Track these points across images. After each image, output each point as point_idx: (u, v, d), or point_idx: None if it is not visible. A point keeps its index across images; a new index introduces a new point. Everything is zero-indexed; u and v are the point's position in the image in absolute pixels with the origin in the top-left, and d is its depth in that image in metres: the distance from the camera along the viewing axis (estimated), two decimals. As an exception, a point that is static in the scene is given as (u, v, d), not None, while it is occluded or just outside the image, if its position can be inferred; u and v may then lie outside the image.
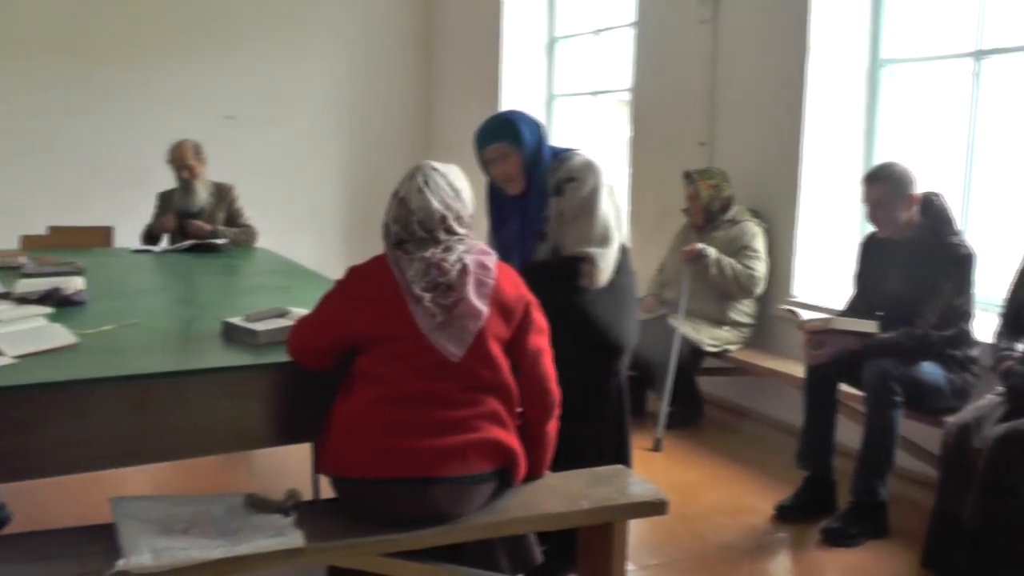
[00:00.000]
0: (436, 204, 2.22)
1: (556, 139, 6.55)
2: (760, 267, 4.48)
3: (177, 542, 1.93)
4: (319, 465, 2.23)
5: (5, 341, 2.34)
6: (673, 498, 2.45)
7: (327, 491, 2.25)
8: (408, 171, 2.31)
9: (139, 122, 7.22)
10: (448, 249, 2.20)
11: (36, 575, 1.88)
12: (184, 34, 7.35)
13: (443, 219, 2.22)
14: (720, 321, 4.55)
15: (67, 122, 7.08)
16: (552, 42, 6.96)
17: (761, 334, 4.63)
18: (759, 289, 4.50)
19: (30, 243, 5.03)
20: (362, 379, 2.17)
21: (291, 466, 3.65)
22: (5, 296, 3.08)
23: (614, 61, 6.24)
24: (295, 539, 2.01)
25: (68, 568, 1.90)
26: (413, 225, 2.21)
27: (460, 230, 2.25)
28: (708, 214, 4.58)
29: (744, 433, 4.64)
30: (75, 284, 3.15)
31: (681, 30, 5.18)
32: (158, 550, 1.88)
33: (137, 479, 3.67)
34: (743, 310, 4.58)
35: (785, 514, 3.49)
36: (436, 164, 2.32)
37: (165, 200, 5.14)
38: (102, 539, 2.00)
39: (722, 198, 4.57)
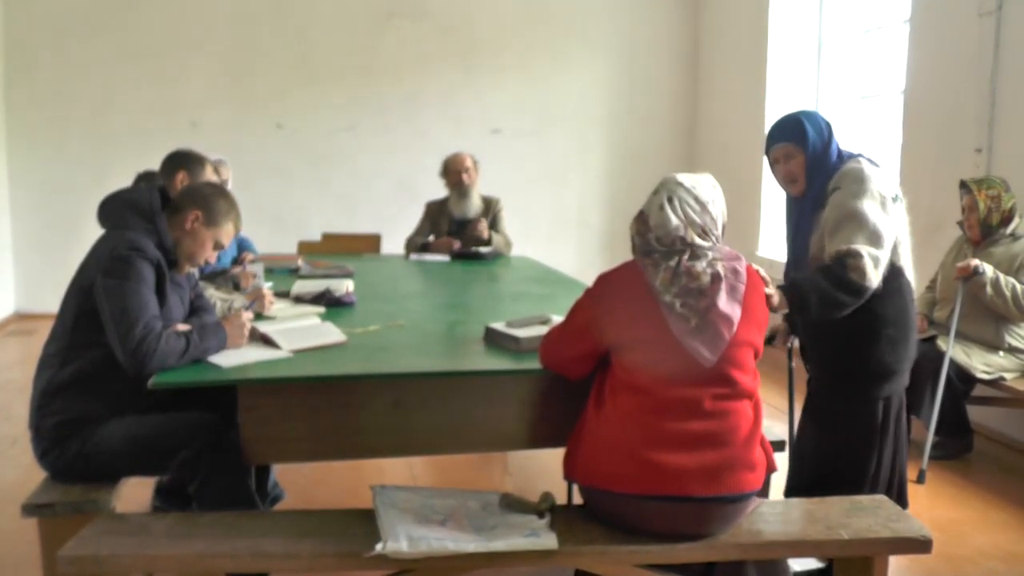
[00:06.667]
0: (675, 222, 2.14)
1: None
2: (1044, 288, 4.02)
3: (433, 532, 2.01)
4: (567, 470, 2.23)
5: (282, 336, 2.55)
6: (936, 536, 2.26)
7: (580, 497, 2.26)
8: (657, 184, 2.25)
9: (405, 136, 7.69)
10: (695, 257, 2.14)
11: (304, 549, 2.03)
12: (451, 53, 7.75)
13: (682, 237, 2.14)
14: (995, 346, 4.15)
15: (339, 136, 7.68)
16: (820, 45, 6.69)
17: (1044, 363, 4.16)
18: (1042, 312, 4.05)
19: (305, 248, 5.51)
20: (615, 389, 2.14)
21: (545, 468, 3.71)
22: (283, 296, 3.38)
23: (885, 62, 5.93)
24: (549, 541, 2.03)
25: (331, 546, 2.04)
26: (651, 241, 2.17)
27: (703, 243, 2.16)
28: (986, 227, 4.19)
29: (1020, 472, 4.18)
30: (346, 286, 3.39)
31: (959, 24, 4.80)
32: (414, 538, 1.97)
33: (395, 470, 3.90)
34: (1023, 335, 4.14)
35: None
36: (683, 178, 2.22)
37: (433, 209, 5.25)
38: (362, 522, 2.14)
39: (1002, 210, 4.16)
